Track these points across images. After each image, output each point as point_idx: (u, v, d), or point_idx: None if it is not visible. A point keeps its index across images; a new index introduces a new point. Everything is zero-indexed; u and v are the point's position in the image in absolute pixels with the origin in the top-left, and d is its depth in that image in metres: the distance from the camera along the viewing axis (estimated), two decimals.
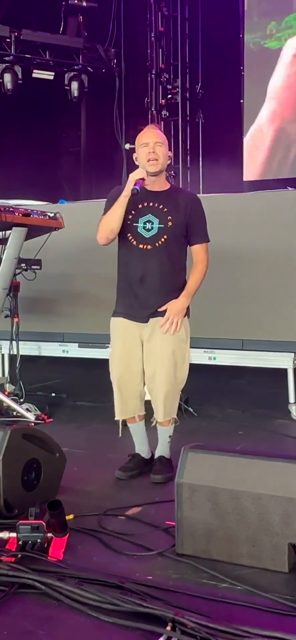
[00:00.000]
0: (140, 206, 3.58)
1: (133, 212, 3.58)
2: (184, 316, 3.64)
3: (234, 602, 2.28)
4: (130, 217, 3.58)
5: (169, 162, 3.70)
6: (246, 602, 2.27)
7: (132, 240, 3.58)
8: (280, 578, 2.45)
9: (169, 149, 3.72)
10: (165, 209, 3.58)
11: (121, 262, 3.69)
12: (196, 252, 3.68)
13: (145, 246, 3.56)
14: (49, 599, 2.28)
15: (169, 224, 3.55)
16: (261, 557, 2.51)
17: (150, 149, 3.55)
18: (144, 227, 3.56)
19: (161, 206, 3.58)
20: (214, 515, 2.59)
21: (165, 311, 3.57)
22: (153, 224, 3.56)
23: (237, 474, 2.58)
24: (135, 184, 3.45)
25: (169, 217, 3.56)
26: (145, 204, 3.58)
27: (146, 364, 3.61)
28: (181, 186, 8.47)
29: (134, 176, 3.49)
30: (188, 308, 3.67)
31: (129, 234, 3.59)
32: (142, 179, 3.48)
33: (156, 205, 3.58)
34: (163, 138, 3.64)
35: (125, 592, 2.27)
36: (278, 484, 2.50)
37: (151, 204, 3.59)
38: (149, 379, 3.63)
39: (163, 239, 3.55)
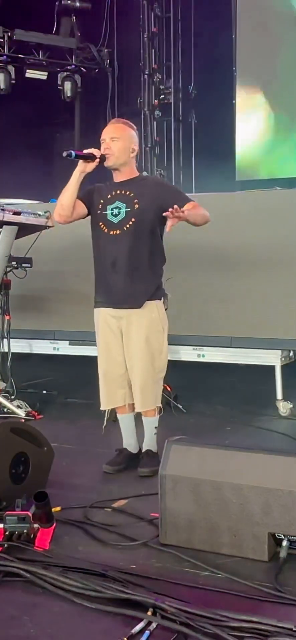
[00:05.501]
0: (109, 196, 3.69)
1: (102, 201, 3.69)
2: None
3: (215, 589, 2.34)
4: (100, 206, 3.69)
5: (133, 155, 3.72)
6: (226, 589, 2.34)
7: (103, 227, 3.67)
8: (260, 566, 2.51)
9: (137, 146, 3.74)
10: (131, 194, 3.66)
11: (94, 250, 3.77)
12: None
13: (114, 232, 3.64)
14: (34, 587, 2.34)
15: (136, 206, 3.62)
16: (242, 546, 2.57)
17: (106, 144, 3.66)
18: (112, 214, 3.65)
19: (127, 192, 3.67)
20: (197, 506, 2.65)
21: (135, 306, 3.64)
22: (120, 209, 3.65)
23: (219, 465, 2.65)
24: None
25: (135, 201, 3.64)
26: (113, 193, 3.69)
27: (126, 355, 3.70)
28: None
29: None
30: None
31: (100, 222, 3.69)
32: (91, 154, 3.59)
33: (122, 192, 3.68)
34: (120, 133, 3.69)
35: (108, 579, 2.33)
36: (258, 475, 2.56)
37: (118, 191, 3.69)
38: (129, 370, 3.71)
39: (130, 222, 3.62)
